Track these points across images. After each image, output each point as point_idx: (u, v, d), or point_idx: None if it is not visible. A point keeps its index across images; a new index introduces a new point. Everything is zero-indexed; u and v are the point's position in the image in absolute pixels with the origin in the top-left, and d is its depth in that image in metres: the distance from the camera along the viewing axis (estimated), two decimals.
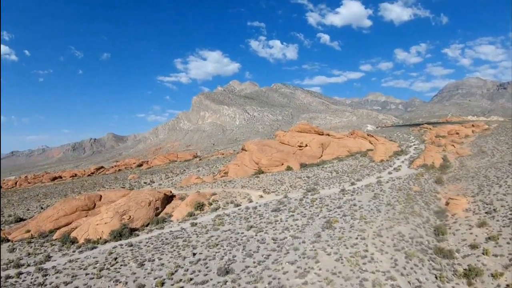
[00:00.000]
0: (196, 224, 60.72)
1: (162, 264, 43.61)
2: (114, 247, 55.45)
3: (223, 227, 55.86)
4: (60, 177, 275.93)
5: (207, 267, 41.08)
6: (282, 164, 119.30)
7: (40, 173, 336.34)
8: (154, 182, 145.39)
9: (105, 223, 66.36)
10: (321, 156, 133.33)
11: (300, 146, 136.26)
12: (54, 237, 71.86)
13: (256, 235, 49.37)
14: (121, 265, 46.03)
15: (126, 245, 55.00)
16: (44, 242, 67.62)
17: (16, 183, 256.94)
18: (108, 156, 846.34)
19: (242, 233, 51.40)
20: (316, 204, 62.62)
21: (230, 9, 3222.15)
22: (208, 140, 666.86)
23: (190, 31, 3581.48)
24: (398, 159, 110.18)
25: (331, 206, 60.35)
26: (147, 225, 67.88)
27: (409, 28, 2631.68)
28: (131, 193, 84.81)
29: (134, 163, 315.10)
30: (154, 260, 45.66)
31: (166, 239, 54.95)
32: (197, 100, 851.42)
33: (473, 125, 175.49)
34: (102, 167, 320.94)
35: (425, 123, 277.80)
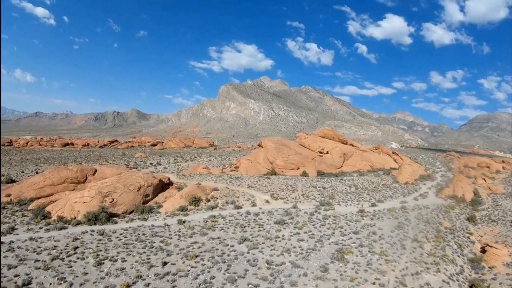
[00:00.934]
0: (184, 222, 51.80)
1: (123, 269, 34.75)
2: (83, 232, 47.36)
3: (213, 233, 46.69)
4: (72, 144, 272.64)
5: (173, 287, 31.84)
6: (298, 168, 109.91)
7: (54, 137, 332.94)
8: (160, 165, 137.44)
9: (84, 202, 58.40)
10: (341, 166, 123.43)
11: (320, 152, 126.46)
12: (29, 207, 64.29)
13: (248, 252, 40.03)
14: (77, 258, 37.59)
15: (96, 233, 46.76)
16: (17, 211, 60.91)
17: (27, 143, 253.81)
18: (128, 131, 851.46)
19: (232, 246, 42.11)
20: (328, 223, 52.94)
21: (271, 6, 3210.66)
22: (229, 131, 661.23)
23: (229, 22, 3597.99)
24: (424, 184, 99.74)
25: (346, 229, 50.46)
26: (130, 213, 59.48)
27: (448, 52, 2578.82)
28: (124, 173, 76.49)
29: (148, 142, 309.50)
30: (117, 260, 36.96)
31: (144, 234, 46.26)
32: (225, 89, 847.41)
33: (503, 161, 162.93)
34: (116, 140, 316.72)
35: (452, 151, 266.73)
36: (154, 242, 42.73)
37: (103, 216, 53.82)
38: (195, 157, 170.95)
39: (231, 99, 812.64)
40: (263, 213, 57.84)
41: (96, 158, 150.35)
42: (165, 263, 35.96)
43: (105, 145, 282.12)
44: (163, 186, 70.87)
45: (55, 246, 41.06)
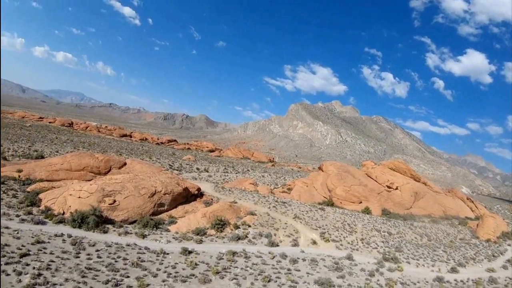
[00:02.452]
0: (189, 253, 37.59)
1: None
2: (56, 235, 36.54)
3: (219, 282, 31.53)
4: (130, 136, 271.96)
5: None
6: (361, 202, 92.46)
7: (114, 126, 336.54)
8: (206, 172, 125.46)
9: (79, 197, 47.13)
10: (411, 207, 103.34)
11: (388, 187, 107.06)
12: (28, 188, 55.25)
13: None
14: (17, 274, 24.67)
15: (69, 242, 35.58)
16: (12, 189, 53.07)
17: (86, 128, 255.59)
18: (193, 135, 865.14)
19: None
20: None
21: (351, 30, 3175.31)
22: (293, 149, 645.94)
23: (307, 42, 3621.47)
24: (509, 244, 78.14)
25: None
26: (132, 223, 46.22)
27: None
28: (144, 170, 64.07)
29: (207, 147, 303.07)
30: None
31: (124, 259, 33.06)
32: (294, 108, 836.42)
33: None
34: (175, 140, 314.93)
35: None
36: (127, 277, 28.79)
37: (92, 220, 41.47)
38: (248, 170, 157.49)
39: (299, 119, 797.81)
40: (304, 260, 42.02)
41: (140, 153, 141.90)
42: None
43: (162, 143, 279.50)
44: (188, 196, 57.02)
45: (12, 247, 30.09)
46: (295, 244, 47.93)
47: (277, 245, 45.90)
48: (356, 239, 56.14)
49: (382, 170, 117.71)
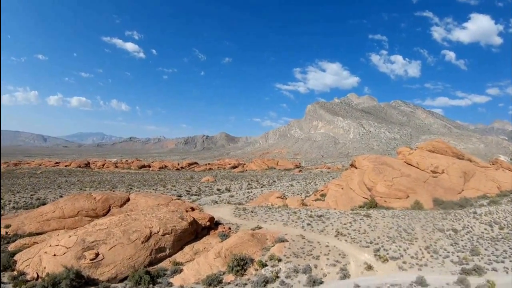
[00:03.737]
0: None
1: None
2: None
3: None
4: (149, 166, 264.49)
5: None
6: (408, 196, 77.82)
7: (132, 159, 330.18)
8: (228, 191, 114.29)
9: (54, 254, 36.13)
10: (462, 190, 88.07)
11: (433, 172, 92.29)
12: (9, 247, 45.98)
13: None
14: None
15: None
16: None
17: (103, 165, 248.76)
18: (216, 154, 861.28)
19: None
20: None
21: (351, 20, 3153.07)
22: (317, 151, 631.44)
23: (310, 42, 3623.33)
24: None
25: None
26: (122, 280, 34.46)
27: None
28: (150, 204, 52.97)
29: (229, 164, 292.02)
30: None
31: None
32: (312, 108, 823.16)
33: None
34: (195, 163, 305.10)
35: None
36: None
37: (66, 285, 30.06)
38: (274, 181, 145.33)
39: (318, 118, 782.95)
40: None
41: (155, 183, 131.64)
42: None
43: (182, 167, 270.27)
44: (197, 231, 44.97)
45: None
46: (345, 274, 35.21)
47: (321, 282, 33.38)
48: (420, 249, 42.98)
49: (420, 154, 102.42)
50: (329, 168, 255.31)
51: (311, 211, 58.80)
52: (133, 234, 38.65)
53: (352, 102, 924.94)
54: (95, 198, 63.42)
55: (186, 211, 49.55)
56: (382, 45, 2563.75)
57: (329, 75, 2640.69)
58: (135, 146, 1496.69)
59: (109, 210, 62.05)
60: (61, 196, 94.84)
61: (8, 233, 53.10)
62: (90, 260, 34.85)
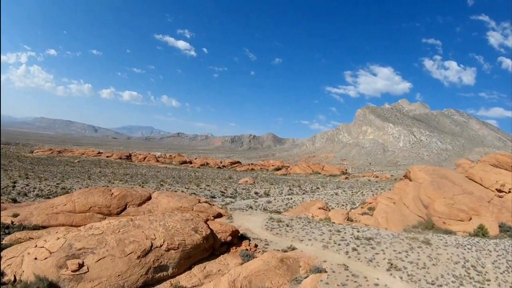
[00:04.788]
0: None
1: None
2: None
3: None
4: (190, 162, 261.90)
5: None
6: (470, 218, 65.09)
7: (174, 154, 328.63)
8: (267, 195, 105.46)
9: (35, 258, 28.99)
10: None
11: (499, 191, 78.29)
12: (4, 240, 39.48)
13: None
14: None
15: None
16: None
17: (144, 158, 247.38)
18: (261, 154, 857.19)
19: None
20: None
21: (404, 24, 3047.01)
22: (365, 157, 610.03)
23: (363, 44, 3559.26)
24: None
25: None
26: None
27: None
28: (171, 206, 45.13)
29: (273, 166, 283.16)
30: None
31: None
32: (361, 113, 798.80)
33: None
34: (238, 162, 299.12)
35: None
36: None
37: None
38: (318, 188, 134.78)
39: (368, 123, 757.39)
40: None
41: (188, 180, 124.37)
42: None
43: (224, 166, 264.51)
44: (214, 247, 36.10)
45: None
46: None
47: None
48: None
49: (484, 169, 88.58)
50: (377, 177, 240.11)
51: (358, 230, 48.45)
52: (129, 245, 30.45)
53: (403, 109, 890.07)
54: (112, 193, 56.33)
55: (207, 220, 40.96)
56: (436, 50, 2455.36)
57: (380, 79, 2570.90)
58: (183, 142, 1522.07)
59: (125, 208, 54.74)
60: (87, 187, 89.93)
61: (14, 223, 47.49)
62: (72, 271, 27.17)
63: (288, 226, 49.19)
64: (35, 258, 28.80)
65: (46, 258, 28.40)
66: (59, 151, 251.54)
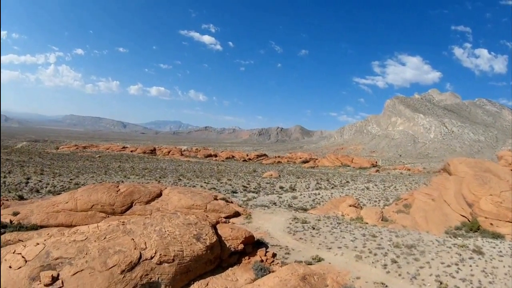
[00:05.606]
0: None
1: None
2: None
3: None
4: (216, 155, 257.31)
5: None
6: None
7: (199, 148, 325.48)
8: (293, 190, 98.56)
9: (9, 266, 23.60)
10: None
11: None
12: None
13: None
14: None
15: None
16: None
17: (169, 152, 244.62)
18: (289, 147, 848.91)
19: None
20: None
21: (431, 11, 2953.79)
22: (395, 149, 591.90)
23: (390, 33, 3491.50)
24: None
25: None
26: None
27: None
28: (183, 204, 39.59)
29: (300, 158, 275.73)
30: None
31: None
32: (390, 103, 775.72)
33: None
34: (264, 155, 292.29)
35: None
36: None
37: None
38: (347, 181, 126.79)
39: (397, 114, 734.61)
40: None
41: (209, 175, 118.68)
42: None
43: (250, 159, 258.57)
44: (221, 258, 29.66)
45: None
46: None
47: None
48: None
49: None
50: (409, 170, 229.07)
51: (396, 235, 41.00)
52: (113, 256, 24.39)
53: (433, 99, 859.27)
54: (118, 190, 51.01)
55: (217, 223, 34.51)
56: (466, 37, 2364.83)
57: (409, 69, 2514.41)
58: (210, 135, 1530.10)
59: (130, 206, 49.28)
60: (101, 181, 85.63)
61: (13, 222, 43.85)
62: (45, 285, 21.72)
63: (314, 228, 42.09)
64: (10, 267, 23.44)
65: (20, 268, 23.01)
66: (84, 146, 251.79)
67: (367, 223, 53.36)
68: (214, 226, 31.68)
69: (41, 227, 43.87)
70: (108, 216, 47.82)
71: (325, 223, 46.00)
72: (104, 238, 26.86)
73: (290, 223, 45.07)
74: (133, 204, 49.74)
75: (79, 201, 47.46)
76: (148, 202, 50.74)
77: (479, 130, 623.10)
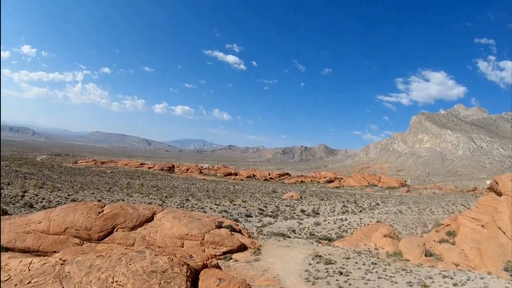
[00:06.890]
0: None
1: None
2: None
3: None
4: (236, 174, 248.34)
5: None
6: None
7: (219, 166, 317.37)
8: (316, 214, 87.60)
9: None
10: None
11: None
12: None
13: None
14: None
15: None
16: None
17: (187, 170, 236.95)
18: (313, 166, 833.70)
19: None
20: None
21: (454, 24, 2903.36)
22: (423, 167, 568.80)
23: (413, 49, 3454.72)
24: None
25: None
26: None
27: None
28: (175, 232, 29.40)
29: (324, 178, 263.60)
30: None
31: None
32: (416, 120, 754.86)
33: None
34: (287, 173, 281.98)
35: None
36: None
37: None
38: (377, 204, 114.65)
39: (424, 131, 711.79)
40: None
41: (223, 195, 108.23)
42: None
43: (272, 178, 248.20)
44: None
45: None
46: None
47: None
48: None
49: None
50: (441, 189, 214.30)
51: (454, 282, 29.94)
52: None
53: (459, 114, 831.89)
54: (101, 211, 41.81)
55: (204, 267, 24.32)
56: (490, 50, 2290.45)
57: (433, 85, 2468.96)
58: (234, 154, 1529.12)
59: (111, 232, 39.88)
60: (99, 200, 77.19)
61: None
62: None
63: (341, 274, 30.92)
64: None
65: None
66: (102, 162, 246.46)
67: (408, 260, 42.23)
68: (194, 276, 21.50)
69: (7, 249, 35.19)
70: (82, 243, 38.82)
71: (356, 263, 34.99)
72: (28, 283, 17.27)
73: (310, 263, 34.15)
74: (115, 230, 40.29)
75: (53, 222, 38.87)
76: (133, 228, 41.12)
77: (508, 144, 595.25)
